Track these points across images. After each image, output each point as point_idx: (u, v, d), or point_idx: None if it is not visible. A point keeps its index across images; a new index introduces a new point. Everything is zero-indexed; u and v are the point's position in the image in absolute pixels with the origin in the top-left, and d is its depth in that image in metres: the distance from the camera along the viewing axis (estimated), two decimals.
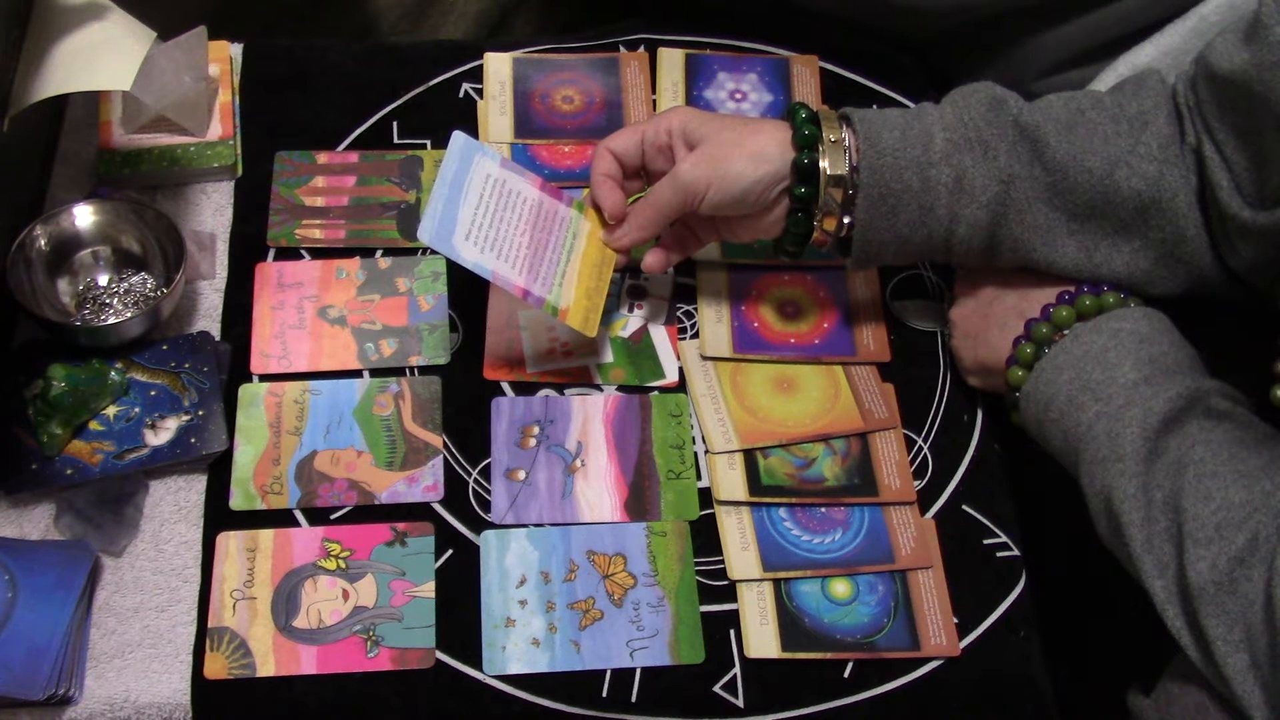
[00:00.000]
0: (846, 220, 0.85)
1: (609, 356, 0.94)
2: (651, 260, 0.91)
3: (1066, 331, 0.83)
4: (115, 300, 0.93)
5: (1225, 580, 0.68)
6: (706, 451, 0.90)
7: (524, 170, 0.91)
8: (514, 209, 0.88)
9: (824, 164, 0.83)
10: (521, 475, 0.89)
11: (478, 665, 0.82)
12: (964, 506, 0.90)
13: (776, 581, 0.86)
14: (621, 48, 1.11)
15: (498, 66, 1.09)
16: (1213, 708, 0.72)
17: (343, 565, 0.85)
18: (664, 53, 1.11)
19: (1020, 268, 0.86)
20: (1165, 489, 0.73)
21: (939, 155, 0.82)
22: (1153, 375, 0.78)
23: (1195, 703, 0.73)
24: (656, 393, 0.93)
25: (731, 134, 0.85)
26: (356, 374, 0.93)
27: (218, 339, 0.93)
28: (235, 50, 1.08)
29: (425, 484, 0.88)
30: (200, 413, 0.89)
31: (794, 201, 0.85)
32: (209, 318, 0.95)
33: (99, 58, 0.86)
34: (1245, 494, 0.70)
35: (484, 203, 0.87)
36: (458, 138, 0.88)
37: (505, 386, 0.93)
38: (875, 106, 1.08)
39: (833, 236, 0.86)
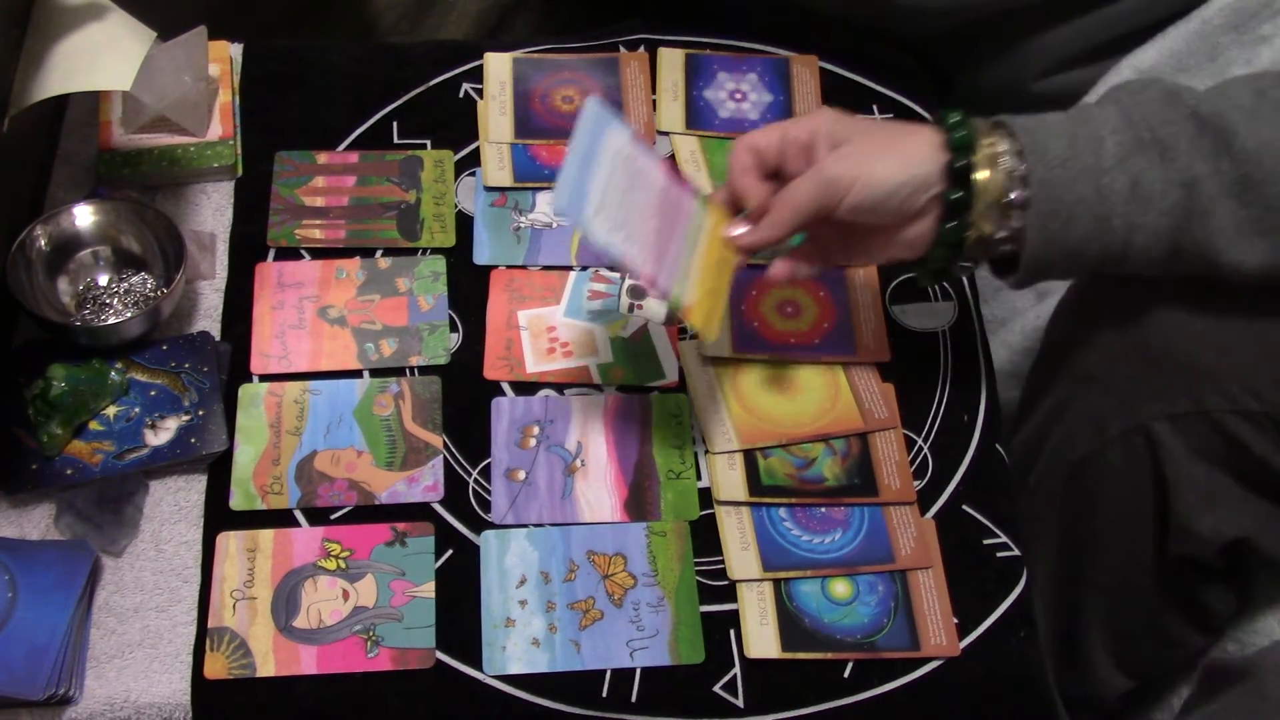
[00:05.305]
0: (1001, 234, 0.78)
1: (609, 356, 0.94)
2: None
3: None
4: (115, 300, 0.93)
5: None
6: (706, 451, 0.90)
7: (650, 150, 0.84)
8: (641, 190, 0.81)
9: (979, 174, 0.77)
10: (521, 475, 0.89)
11: (478, 665, 0.82)
12: (964, 506, 0.90)
13: (776, 581, 0.86)
14: (621, 48, 1.11)
15: (498, 66, 1.09)
16: None
17: (343, 565, 0.85)
18: (664, 53, 1.11)
19: (1196, 276, 0.79)
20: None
21: (1111, 161, 0.75)
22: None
23: None
24: (656, 393, 0.93)
25: (881, 134, 0.80)
26: (356, 374, 0.93)
27: (218, 339, 0.93)
28: (235, 50, 1.09)
29: (425, 484, 0.88)
30: (200, 413, 0.89)
31: (946, 209, 0.79)
32: (209, 318, 0.95)
33: (99, 58, 0.86)
34: None
35: (614, 180, 0.80)
36: (592, 105, 0.80)
37: (505, 386, 0.93)
38: (875, 108, 1.09)
39: (983, 252, 0.80)
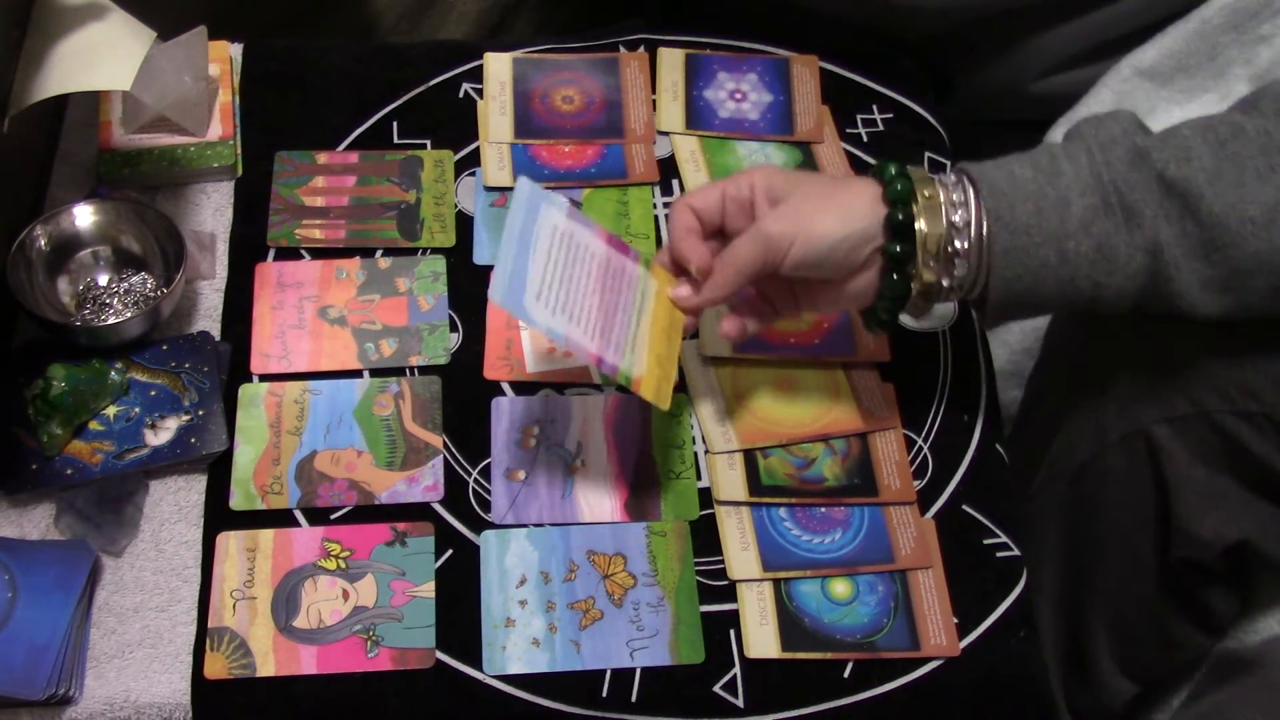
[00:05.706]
0: (946, 282, 0.78)
1: None
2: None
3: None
4: (115, 300, 0.93)
5: None
6: (706, 451, 0.90)
7: (589, 221, 0.84)
8: (582, 264, 0.81)
9: (920, 224, 0.76)
10: (521, 475, 0.89)
11: (478, 665, 0.82)
12: (964, 506, 0.90)
13: (776, 581, 0.86)
14: (621, 48, 1.11)
15: (498, 66, 1.09)
16: None
17: (343, 565, 0.85)
18: (664, 53, 1.11)
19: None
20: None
21: (1076, 225, 0.75)
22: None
23: None
24: None
25: (820, 188, 0.80)
26: (356, 374, 0.93)
27: (218, 339, 0.93)
28: (235, 50, 1.09)
29: (425, 484, 0.88)
30: (200, 413, 0.89)
31: (888, 262, 0.78)
32: (209, 318, 0.95)
33: (99, 58, 0.87)
34: None
35: (553, 258, 0.80)
36: (524, 185, 0.81)
37: (505, 386, 0.93)
38: (874, 108, 1.09)
39: (930, 302, 0.80)
